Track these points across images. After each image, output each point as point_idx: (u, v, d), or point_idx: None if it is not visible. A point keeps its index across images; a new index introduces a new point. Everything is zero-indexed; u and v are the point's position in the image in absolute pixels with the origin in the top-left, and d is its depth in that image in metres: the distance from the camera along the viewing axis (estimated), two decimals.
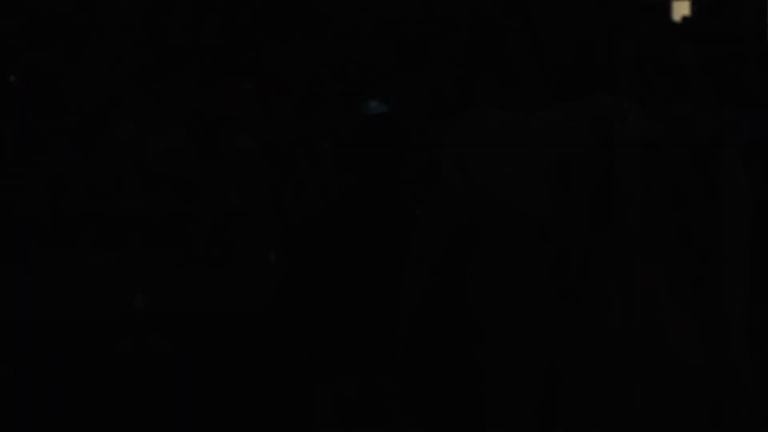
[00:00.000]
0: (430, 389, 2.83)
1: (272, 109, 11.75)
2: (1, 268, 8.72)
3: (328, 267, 4.04)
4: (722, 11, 11.87)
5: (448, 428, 2.81)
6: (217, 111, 11.63)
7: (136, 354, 7.97)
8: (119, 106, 11.44)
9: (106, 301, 8.45)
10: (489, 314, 2.71)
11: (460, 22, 10.90)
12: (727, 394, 2.77)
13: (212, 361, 7.72)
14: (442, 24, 11.53)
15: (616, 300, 2.71)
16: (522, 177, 2.73)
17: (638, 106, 2.83)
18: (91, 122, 11.21)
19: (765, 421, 3.46)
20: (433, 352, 2.83)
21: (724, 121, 2.98)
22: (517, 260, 2.69)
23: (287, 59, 12.43)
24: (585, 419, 2.68)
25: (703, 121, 2.83)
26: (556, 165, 2.71)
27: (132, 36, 12.64)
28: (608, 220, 2.70)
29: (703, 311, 2.77)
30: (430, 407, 2.82)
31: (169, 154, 10.89)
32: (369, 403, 3.91)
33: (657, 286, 2.75)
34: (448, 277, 2.80)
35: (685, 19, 11.80)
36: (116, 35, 12.57)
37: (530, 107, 2.83)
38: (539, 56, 2.87)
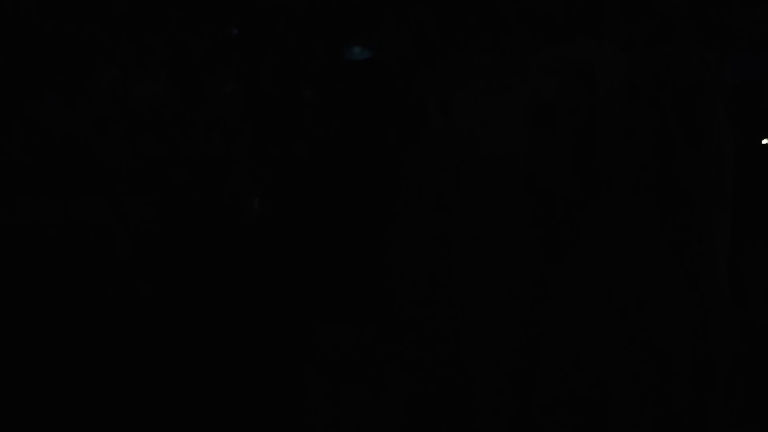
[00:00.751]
0: (418, 337, 2.84)
1: (255, 54, 11.70)
2: None
3: (314, 213, 4.04)
4: None
5: (435, 385, 2.82)
6: (201, 56, 11.57)
7: (122, 299, 7.98)
8: (102, 51, 11.38)
9: (91, 248, 8.45)
10: (472, 260, 2.71)
11: None
12: (713, 338, 2.78)
13: (197, 303, 7.73)
14: None
15: (600, 246, 2.71)
16: (506, 120, 2.72)
17: (622, 50, 2.83)
18: (73, 67, 11.16)
19: (751, 374, 3.48)
20: (417, 294, 2.83)
21: (708, 66, 2.97)
22: (501, 204, 2.69)
23: (270, 3, 12.37)
24: (566, 374, 2.68)
25: (686, 66, 2.83)
26: (540, 108, 2.70)
27: None
28: (592, 164, 2.70)
29: (688, 254, 2.78)
30: (418, 361, 2.82)
31: (152, 100, 10.85)
32: (357, 357, 3.91)
33: (641, 232, 2.75)
34: (434, 219, 2.79)
35: None
36: None
37: (515, 51, 2.82)
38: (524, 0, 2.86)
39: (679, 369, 2.72)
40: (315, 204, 4.09)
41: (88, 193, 9.47)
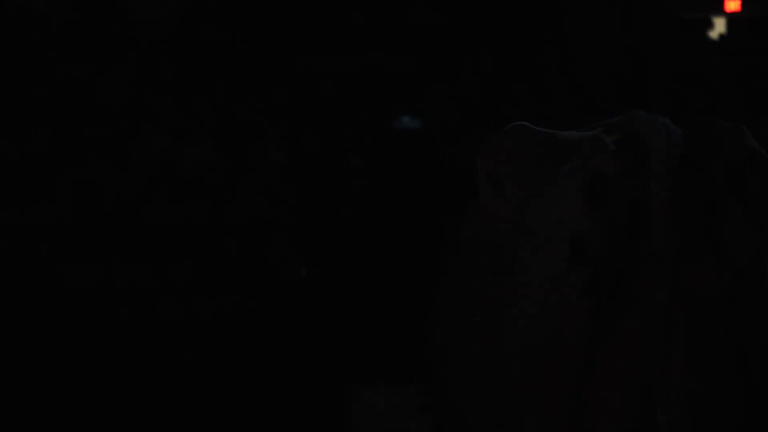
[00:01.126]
0: (455, 405, 2.82)
1: (303, 121, 11.77)
2: (33, 276, 8.76)
3: (359, 277, 4.05)
4: (756, 27, 11.84)
5: None
6: (249, 123, 11.65)
7: (166, 363, 7.99)
8: (151, 117, 11.49)
9: (136, 311, 8.47)
10: (522, 331, 2.70)
11: (493, 35, 10.90)
12: (762, 414, 2.75)
13: (238, 367, 7.72)
14: (474, 37, 11.52)
15: (648, 319, 2.69)
16: (558, 193, 2.71)
17: (672, 123, 2.82)
18: (123, 133, 11.27)
19: None
20: (461, 368, 2.82)
21: (758, 138, 2.96)
22: (553, 276, 2.68)
23: (319, 71, 12.46)
24: None
25: (738, 138, 2.81)
26: (592, 181, 2.69)
27: (164, 47, 12.70)
28: (642, 239, 2.69)
29: (736, 329, 2.75)
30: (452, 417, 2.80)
31: (200, 166, 10.92)
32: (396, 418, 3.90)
33: (691, 306, 2.73)
34: (480, 294, 2.78)
35: (722, 37, 11.75)
36: (148, 46, 12.62)
37: (563, 123, 2.82)
38: (572, 71, 2.87)
39: None
40: (360, 270, 4.10)
41: (134, 257, 9.52)
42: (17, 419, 7.82)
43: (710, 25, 12.96)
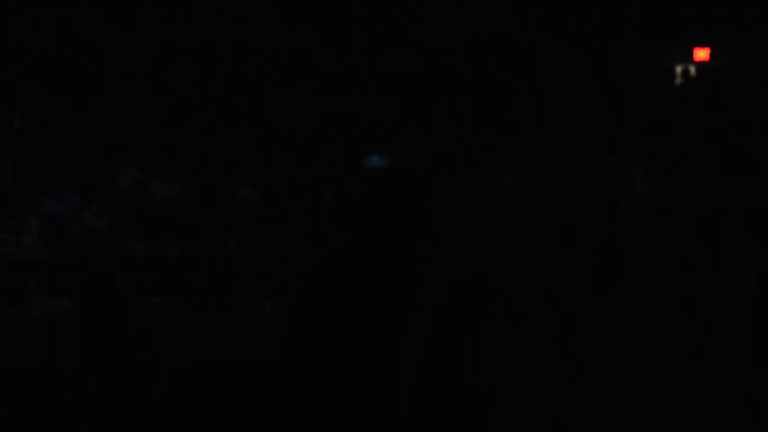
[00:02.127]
0: None
1: (274, 159, 11.78)
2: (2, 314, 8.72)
3: (330, 321, 4.03)
4: (725, 80, 11.95)
5: None
6: (219, 160, 11.64)
7: (133, 396, 7.95)
8: (122, 152, 11.47)
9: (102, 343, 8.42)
10: (493, 375, 2.70)
11: (466, 79, 10.93)
12: None
13: (210, 408, 7.68)
14: (446, 81, 11.57)
15: (618, 366, 2.70)
16: (528, 238, 2.72)
17: (643, 170, 2.83)
18: (93, 167, 11.23)
19: None
20: (437, 412, 2.81)
21: (729, 189, 2.98)
22: (523, 322, 2.69)
23: (290, 111, 12.48)
24: None
25: (709, 189, 2.83)
26: (562, 227, 2.70)
27: (136, 85, 12.69)
28: (614, 284, 2.70)
29: (704, 380, 2.76)
30: None
31: (169, 202, 10.89)
32: None
33: (659, 353, 2.74)
34: (451, 335, 2.78)
35: (689, 86, 11.85)
36: (121, 84, 12.61)
37: (534, 166, 2.83)
38: (544, 116, 2.88)
39: None
40: (328, 310, 4.08)
41: (101, 291, 9.46)
42: None
43: (681, 73, 13.04)
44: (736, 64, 12.57)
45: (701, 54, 13.33)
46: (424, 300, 2.87)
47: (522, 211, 2.75)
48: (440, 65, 11.68)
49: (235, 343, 8.10)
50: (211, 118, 12.31)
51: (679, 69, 13.19)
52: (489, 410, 2.73)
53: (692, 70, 13.21)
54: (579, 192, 2.74)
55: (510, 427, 2.70)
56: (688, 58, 13.35)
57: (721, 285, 2.76)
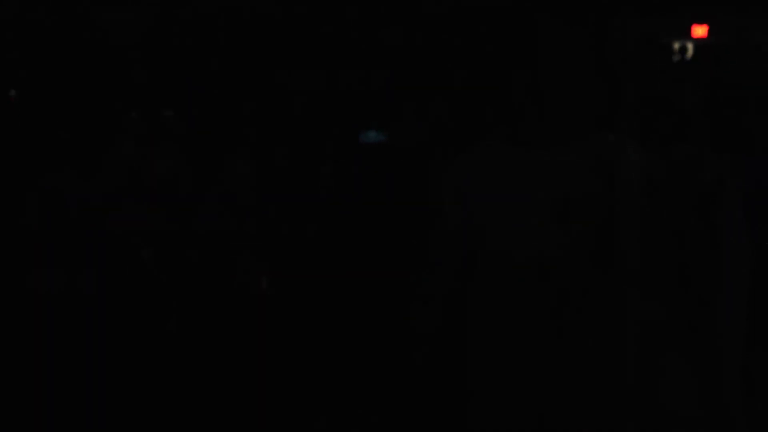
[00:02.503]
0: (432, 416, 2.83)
1: (271, 133, 11.77)
2: None
3: (323, 292, 4.05)
4: (723, 54, 11.94)
5: None
6: (216, 133, 11.63)
7: (128, 372, 7.96)
8: (118, 125, 11.45)
9: (99, 318, 8.43)
10: (487, 349, 2.71)
11: (464, 55, 10.92)
12: None
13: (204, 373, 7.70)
14: (445, 56, 11.55)
15: (612, 341, 2.71)
16: (524, 213, 2.73)
17: (640, 147, 2.84)
18: (89, 140, 11.22)
19: None
20: (435, 384, 2.83)
21: (726, 166, 2.98)
22: (517, 297, 2.69)
23: (287, 85, 12.47)
24: None
25: (705, 165, 2.84)
26: (558, 203, 2.71)
27: (134, 55, 12.68)
28: (608, 260, 2.70)
29: (699, 355, 2.77)
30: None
31: (165, 175, 10.89)
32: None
33: (654, 328, 2.75)
34: (448, 310, 2.79)
35: (689, 62, 11.85)
36: (117, 54, 12.60)
37: (532, 143, 2.83)
38: (542, 92, 2.88)
39: None
40: (325, 284, 4.10)
41: (98, 265, 9.46)
42: None
43: (678, 50, 13.04)
44: (735, 42, 12.56)
45: (699, 31, 13.32)
46: (422, 276, 2.88)
47: (518, 188, 2.75)
48: (439, 40, 11.66)
49: (232, 315, 8.11)
50: (207, 89, 12.29)
51: (677, 46, 13.18)
52: (482, 384, 2.74)
53: (690, 47, 13.20)
54: (575, 168, 2.74)
55: (502, 398, 2.71)
56: (686, 34, 13.34)
57: (718, 261, 2.76)
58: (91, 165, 10.21)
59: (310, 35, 12.90)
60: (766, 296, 4.04)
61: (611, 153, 2.73)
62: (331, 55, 12.44)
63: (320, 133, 11.35)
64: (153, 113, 11.78)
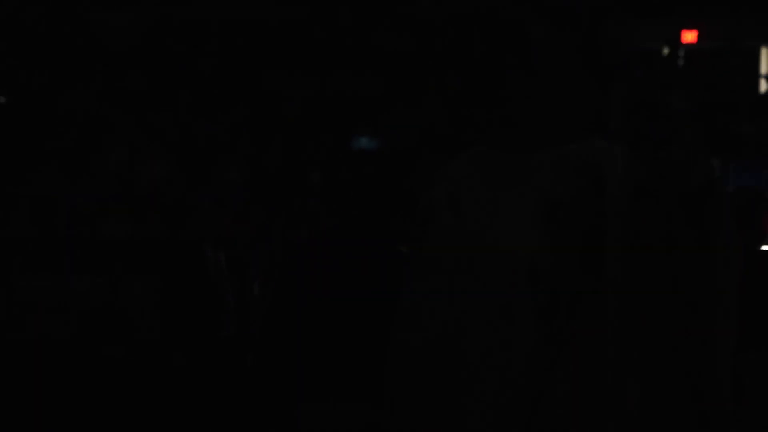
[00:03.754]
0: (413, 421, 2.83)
1: (263, 139, 11.77)
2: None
3: (315, 302, 4.04)
4: (711, 59, 11.97)
5: None
6: (208, 139, 11.63)
7: (118, 379, 7.95)
8: (112, 131, 11.45)
9: (89, 325, 8.42)
10: (477, 353, 2.71)
11: (456, 59, 10.93)
12: None
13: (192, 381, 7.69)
14: (437, 60, 11.57)
15: (603, 347, 2.71)
16: (514, 217, 2.73)
17: (630, 151, 2.85)
18: (82, 145, 11.22)
19: None
20: (418, 388, 2.83)
21: (715, 170, 2.98)
22: (508, 300, 2.70)
23: (280, 90, 12.47)
24: None
25: (694, 169, 2.85)
26: (548, 207, 2.72)
27: (126, 61, 12.67)
28: (598, 264, 2.71)
29: (690, 360, 2.77)
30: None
31: (157, 181, 10.89)
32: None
33: (645, 333, 2.75)
34: (437, 315, 2.80)
35: (678, 67, 11.88)
36: (110, 59, 12.59)
37: (524, 148, 2.84)
38: (532, 97, 2.89)
39: None
40: (316, 291, 4.09)
41: (90, 270, 9.46)
42: None
43: (668, 56, 13.08)
44: (725, 46, 12.59)
45: (689, 36, 13.35)
46: (411, 281, 2.88)
47: (507, 191, 2.76)
48: (429, 44, 11.67)
49: (221, 323, 8.11)
50: (200, 96, 12.30)
51: (665, 50, 13.21)
52: (468, 389, 2.74)
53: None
54: (564, 172, 2.75)
55: (489, 404, 2.72)
56: (676, 39, 13.38)
57: (708, 266, 2.77)
58: (83, 170, 10.18)
59: (302, 42, 12.91)
60: (757, 299, 4.06)
61: (601, 157, 2.74)
62: (323, 61, 12.46)
63: (311, 138, 11.34)
64: (144, 118, 11.75)
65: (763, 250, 4.56)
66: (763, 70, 12.71)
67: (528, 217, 2.72)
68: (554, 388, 2.69)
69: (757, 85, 12.17)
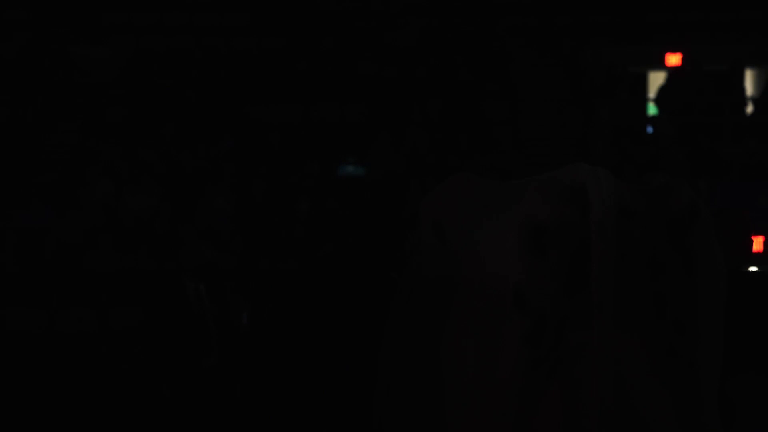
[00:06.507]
0: None
1: (248, 168, 11.77)
2: None
3: (305, 326, 4.05)
4: (696, 82, 12.00)
5: None
6: (193, 170, 11.63)
7: (106, 408, 7.93)
8: (96, 163, 11.43)
9: (78, 356, 8.42)
10: (463, 377, 2.71)
11: (440, 87, 10.97)
12: None
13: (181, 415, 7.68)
14: (421, 88, 11.59)
15: (589, 370, 2.71)
16: (499, 241, 2.74)
17: (615, 175, 2.85)
18: (67, 178, 11.20)
19: None
20: (407, 411, 2.83)
21: (699, 193, 3.00)
22: (494, 324, 2.70)
23: (266, 120, 12.48)
24: None
25: (679, 193, 2.86)
26: (533, 231, 2.72)
27: (111, 92, 12.68)
28: (583, 287, 2.71)
29: (677, 382, 2.77)
30: None
31: (144, 212, 10.88)
32: None
33: (631, 356, 2.75)
34: (424, 338, 2.80)
35: (661, 90, 11.91)
36: (95, 91, 12.60)
37: (507, 173, 2.86)
38: (517, 122, 2.90)
39: None
40: (304, 320, 4.09)
41: (77, 303, 9.46)
42: None
43: (652, 79, 13.13)
44: (708, 69, 12.63)
45: (673, 59, 13.40)
46: (398, 306, 2.88)
47: (492, 216, 2.77)
48: (413, 71, 11.70)
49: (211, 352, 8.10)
50: (185, 127, 12.30)
51: (650, 75, 13.26)
52: (456, 413, 2.74)
53: (663, 75, 13.28)
54: (549, 198, 2.76)
55: (477, 428, 2.71)
56: (660, 63, 13.43)
57: (692, 287, 2.78)
58: (69, 203, 10.16)
59: (285, 70, 12.93)
60: (743, 321, 4.06)
61: (585, 182, 2.75)
62: (307, 89, 12.48)
63: (297, 166, 11.35)
64: (129, 149, 11.73)
65: (748, 272, 4.57)
66: (748, 91, 12.74)
67: (514, 242, 2.73)
68: (542, 412, 2.69)
69: (743, 106, 12.19)
